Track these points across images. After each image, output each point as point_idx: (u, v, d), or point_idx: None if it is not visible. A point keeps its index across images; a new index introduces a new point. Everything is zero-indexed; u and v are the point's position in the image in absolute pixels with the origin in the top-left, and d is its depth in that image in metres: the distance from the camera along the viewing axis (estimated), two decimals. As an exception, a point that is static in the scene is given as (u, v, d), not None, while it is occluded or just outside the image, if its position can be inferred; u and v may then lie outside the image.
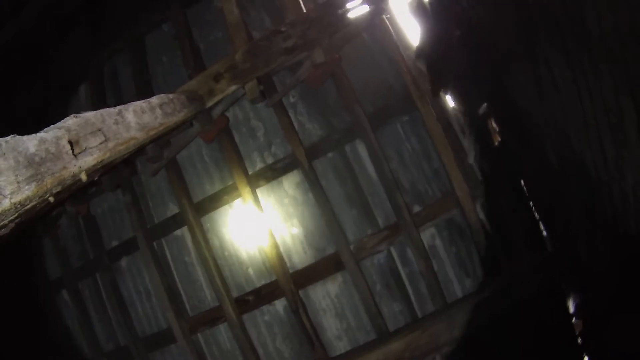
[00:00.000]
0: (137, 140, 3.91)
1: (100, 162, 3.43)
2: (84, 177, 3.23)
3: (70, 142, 3.11)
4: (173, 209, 6.10)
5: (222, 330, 5.94)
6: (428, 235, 5.44)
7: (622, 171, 3.96)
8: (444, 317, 5.25)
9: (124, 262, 6.45)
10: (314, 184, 5.53)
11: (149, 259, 6.07)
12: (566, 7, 3.44)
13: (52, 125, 3.04)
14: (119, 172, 5.82)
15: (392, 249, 5.49)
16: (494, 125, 5.61)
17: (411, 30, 5.55)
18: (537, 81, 4.45)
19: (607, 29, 3.13)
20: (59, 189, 2.99)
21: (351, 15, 5.28)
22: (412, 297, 5.50)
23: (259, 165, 5.79)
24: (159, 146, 5.58)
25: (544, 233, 5.54)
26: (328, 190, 5.58)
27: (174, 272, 6.11)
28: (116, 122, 3.69)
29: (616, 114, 3.58)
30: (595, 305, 5.32)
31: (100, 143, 3.45)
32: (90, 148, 3.34)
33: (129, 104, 3.93)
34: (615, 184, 4.08)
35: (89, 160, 3.28)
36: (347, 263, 5.46)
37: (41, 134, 2.89)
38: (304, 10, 5.36)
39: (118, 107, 3.75)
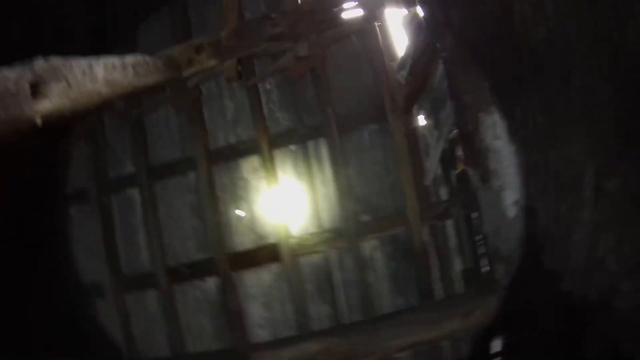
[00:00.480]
0: (102, 95, 3.92)
1: (59, 109, 3.44)
2: (38, 121, 3.25)
3: (31, 85, 3.13)
4: (129, 169, 6.10)
5: (152, 296, 5.96)
6: (370, 246, 5.49)
7: (570, 229, 4.03)
8: (368, 329, 5.31)
9: (72, 210, 6.43)
10: (270, 173, 5.57)
11: (95, 212, 6.08)
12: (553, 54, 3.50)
13: (18, 64, 3.05)
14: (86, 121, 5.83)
15: (332, 253, 5.54)
16: (461, 153, 5.66)
17: (399, 43, 5.59)
18: (509, 121, 4.52)
19: (592, 81, 3.17)
20: (10, 128, 3.00)
21: (344, 15, 5.30)
22: (342, 304, 5.55)
23: (221, 143, 5.80)
24: (129, 104, 5.59)
25: (485, 269, 5.62)
26: (282, 182, 5.62)
27: (117, 230, 6.12)
28: (84, 74, 3.70)
29: (578, 170, 3.64)
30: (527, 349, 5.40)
31: (63, 91, 3.46)
32: (51, 94, 3.35)
33: (101, 57, 3.94)
34: (562, 240, 4.15)
35: (47, 105, 3.30)
36: (285, 256, 5.51)
37: (5, 71, 2.90)
38: (299, 2, 5.38)
39: (89, 59, 3.76)
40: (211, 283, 5.77)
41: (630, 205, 3.08)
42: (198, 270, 5.78)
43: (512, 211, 4.88)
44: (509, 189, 4.80)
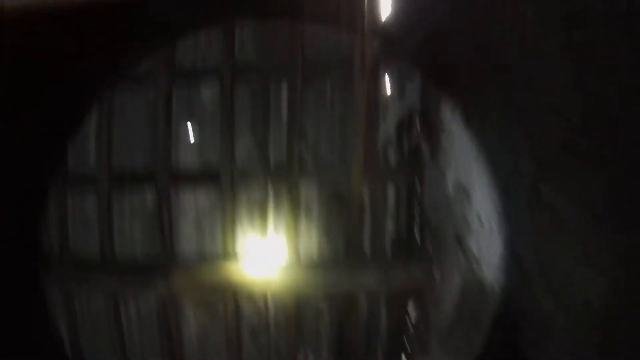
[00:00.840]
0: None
1: (27, 4, 3.49)
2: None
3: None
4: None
5: (90, 199, 6.00)
6: (308, 192, 5.61)
7: (500, 224, 4.15)
8: (286, 271, 5.51)
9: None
10: (227, 102, 5.66)
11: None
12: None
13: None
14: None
15: (270, 189, 5.64)
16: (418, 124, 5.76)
17: (386, 8, 5.65)
18: (463, 110, 4.64)
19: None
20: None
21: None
22: (269, 241, 5.67)
23: (187, 64, 5.85)
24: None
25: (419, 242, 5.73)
26: (237, 113, 5.72)
27: (69, 130, 6.16)
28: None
29: (518, 168, 3.76)
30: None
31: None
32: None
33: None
34: (490, 231, 4.27)
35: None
36: (225, 184, 5.63)
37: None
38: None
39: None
40: (149, 195, 5.86)
41: (562, 220, 3.17)
42: (139, 179, 5.86)
43: (452, 191, 5.01)
44: (454, 169, 4.92)
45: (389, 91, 5.73)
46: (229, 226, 5.62)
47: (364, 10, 5.57)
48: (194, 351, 5.83)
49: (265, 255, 5.66)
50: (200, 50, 5.88)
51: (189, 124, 5.82)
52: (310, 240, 5.65)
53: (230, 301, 5.65)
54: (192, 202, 5.76)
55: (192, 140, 5.82)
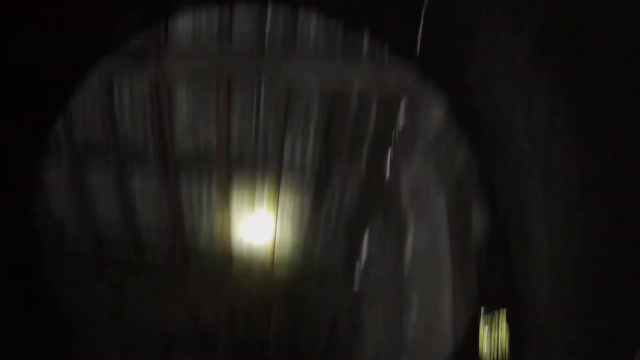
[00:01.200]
0: None
1: None
2: None
3: None
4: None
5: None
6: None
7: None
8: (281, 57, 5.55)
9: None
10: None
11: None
12: None
13: None
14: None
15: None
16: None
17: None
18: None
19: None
20: None
21: None
22: (267, 30, 5.56)
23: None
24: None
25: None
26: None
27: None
28: None
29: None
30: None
31: None
32: None
33: None
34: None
35: None
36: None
37: None
38: None
39: None
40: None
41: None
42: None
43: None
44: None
45: None
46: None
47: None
48: (184, 129, 5.97)
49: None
50: None
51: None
52: (309, 29, 5.53)
53: (222, 82, 5.67)
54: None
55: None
